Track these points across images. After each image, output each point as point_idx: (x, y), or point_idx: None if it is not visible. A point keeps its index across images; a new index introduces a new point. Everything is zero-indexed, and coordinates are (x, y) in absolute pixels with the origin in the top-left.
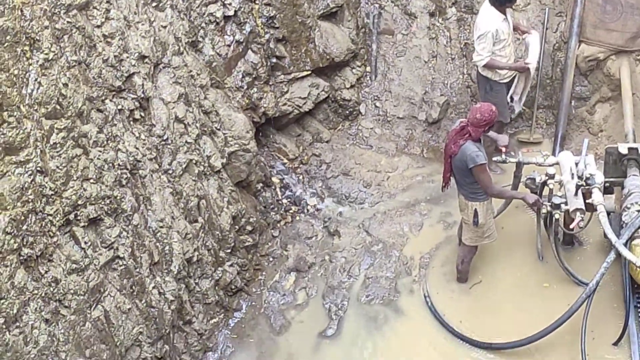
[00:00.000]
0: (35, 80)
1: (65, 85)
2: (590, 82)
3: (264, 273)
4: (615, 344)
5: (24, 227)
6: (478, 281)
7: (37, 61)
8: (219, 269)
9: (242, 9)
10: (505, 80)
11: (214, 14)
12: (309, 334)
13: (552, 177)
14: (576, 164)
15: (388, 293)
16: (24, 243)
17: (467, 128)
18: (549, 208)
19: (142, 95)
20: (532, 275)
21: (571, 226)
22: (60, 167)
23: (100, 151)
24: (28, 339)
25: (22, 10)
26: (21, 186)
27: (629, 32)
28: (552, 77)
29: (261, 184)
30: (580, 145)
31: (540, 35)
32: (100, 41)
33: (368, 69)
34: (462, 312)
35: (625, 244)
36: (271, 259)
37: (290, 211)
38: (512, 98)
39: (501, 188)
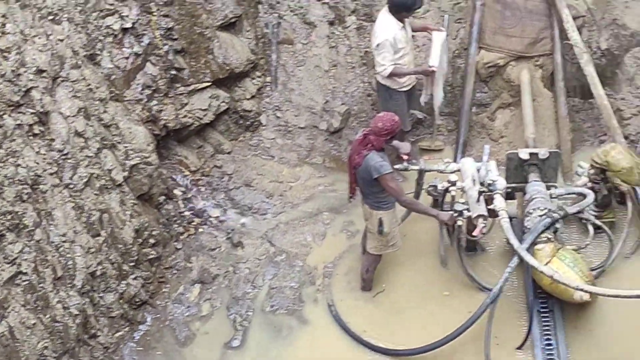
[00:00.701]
0: None
1: None
2: (490, 88)
3: (168, 285)
4: (519, 348)
5: None
6: (382, 289)
7: None
8: (123, 282)
9: (140, 21)
10: (404, 89)
11: (111, 26)
12: (214, 345)
13: (454, 184)
14: (478, 171)
15: (292, 303)
16: None
17: (369, 137)
18: (458, 224)
19: (41, 110)
20: (436, 282)
21: (474, 232)
22: None
23: (0, 167)
24: None
25: None
26: None
27: (528, 37)
28: (453, 84)
29: (163, 197)
30: (482, 152)
31: (444, 36)
32: None
33: (268, 79)
34: (366, 321)
35: (528, 249)
36: (175, 272)
37: (193, 223)
38: (411, 108)
39: (412, 200)
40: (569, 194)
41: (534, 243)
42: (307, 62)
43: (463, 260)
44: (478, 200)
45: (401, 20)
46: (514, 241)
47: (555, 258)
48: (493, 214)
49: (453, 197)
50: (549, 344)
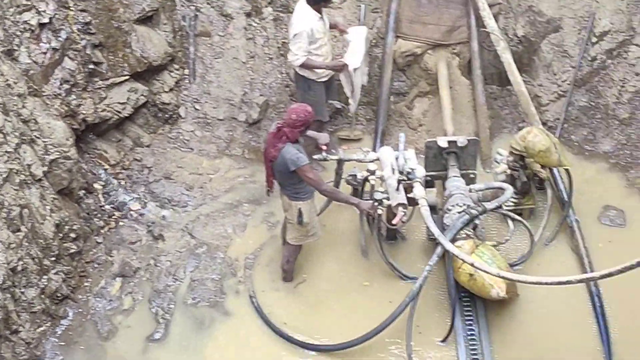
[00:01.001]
0: None
1: None
2: (408, 77)
3: (89, 280)
4: (443, 341)
5: None
6: (302, 280)
7: None
8: (44, 277)
9: (57, 16)
10: (323, 79)
11: (28, 21)
12: (137, 339)
13: (373, 173)
14: (397, 159)
15: (214, 295)
16: None
17: (284, 130)
18: (379, 213)
19: None
20: (357, 272)
21: (394, 221)
22: None
23: None
24: None
25: None
26: None
27: (445, 25)
28: (371, 74)
29: (83, 191)
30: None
31: (365, 35)
32: None
33: (186, 71)
34: (287, 312)
35: (446, 261)
36: (96, 265)
37: (114, 217)
38: (330, 99)
39: (333, 188)
40: (488, 188)
41: (453, 240)
42: (224, 54)
43: (383, 249)
44: (397, 189)
45: (319, 11)
46: (434, 229)
47: (474, 254)
48: (413, 202)
49: (372, 186)
50: (472, 339)
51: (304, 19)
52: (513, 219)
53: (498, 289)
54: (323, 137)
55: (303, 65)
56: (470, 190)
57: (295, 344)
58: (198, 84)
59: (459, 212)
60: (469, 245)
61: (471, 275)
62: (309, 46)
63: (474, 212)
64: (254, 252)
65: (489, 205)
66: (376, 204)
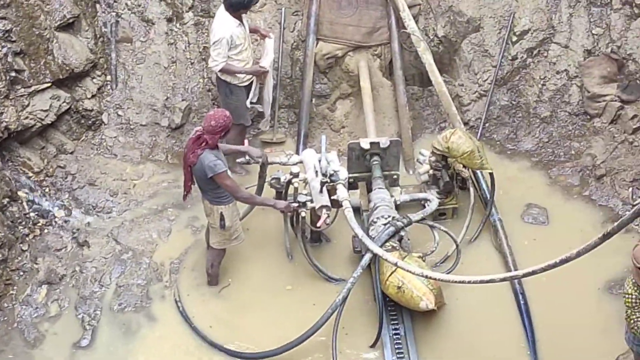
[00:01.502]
0: None
1: None
2: (329, 79)
3: (15, 287)
4: (372, 346)
5: None
6: (227, 284)
7: None
8: None
9: None
10: (244, 84)
11: None
12: (64, 346)
13: (296, 175)
14: (319, 162)
15: (140, 300)
16: None
17: (204, 136)
18: (294, 205)
19: None
20: (282, 275)
21: (318, 224)
22: None
23: None
24: None
25: None
26: None
27: (365, 27)
28: (292, 76)
29: (7, 199)
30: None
31: (276, 38)
32: None
33: (109, 78)
34: (212, 316)
35: (372, 260)
36: (22, 273)
37: (39, 224)
38: (251, 102)
39: (250, 194)
40: (413, 200)
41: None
42: (146, 60)
43: (308, 251)
44: (321, 191)
45: (238, 17)
46: (358, 230)
47: None
48: (336, 204)
49: (296, 188)
50: (398, 342)
51: (223, 25)
52: (434, 228)
53: (427, 301)
54: (254, 152)
55: (222, 71)
56: (395, 202)
57: (219, 349)
58: (120, 90)
59: (385, 224)
60: (396, 258)
61: (399, 287)
62: (229, 52)
63: (399, 224)
64: (179, 257)
65: (414, 216)
66: (297, 205)
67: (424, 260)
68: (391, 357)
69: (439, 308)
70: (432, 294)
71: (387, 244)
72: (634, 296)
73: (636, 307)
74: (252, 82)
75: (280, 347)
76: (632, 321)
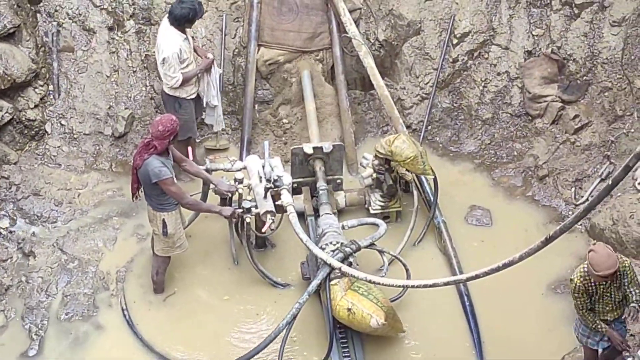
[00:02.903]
0: None
1: None
2: (272, 85)
3: None
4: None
5: None
6: (172, 292)
7: None
8: None
9: None
10: (192, 97)
11: None
12: (11, 356)
13: (240, 181)
14: (263, 167)
15: (87, 309)
16: None
17: (153, 142)
18: (239, 211)
19: None
20: (228, 282)
21: (263, 229)
22: None
23: None
24: None
25: None
26: None
27: (306, 32)
28: (234, 83)
29: None
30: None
31: (218, 44)
32: None
33: (51, 87)
34: (158, 325)
35: (321, 285)
36: None
37: None
38: (207, 107)
39: (196, 200)
40: (361, 224)
41: (329, 278)
42: (88, 69)
43: (253, 257)
44: (265, 197)
45: (183, 31)
46: (302, 235)
47: (350, 290)
48: (281, 209)
49: (240, 195)
50: (344, 345)
51: (170, 41)
52: (382, 253)
53: (376, 317)
54: (224, 186)
55: (182, 82)
56: (343, 227)
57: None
58: (63, 100)
59: (333, 251)
60: (345, 282)
61: (349, 309)
62: (180, 66)
63: (347, 250)
64: (125, 265)
65: (363, 242)
66: (241, 211)
67: (374, 285)
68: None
69: (396, 333)
70: (381, 311)
71: (337, 271)
72: (578, 287)
73: (578, 297)
74: (198, 95)
75: None
76: (576, 310)
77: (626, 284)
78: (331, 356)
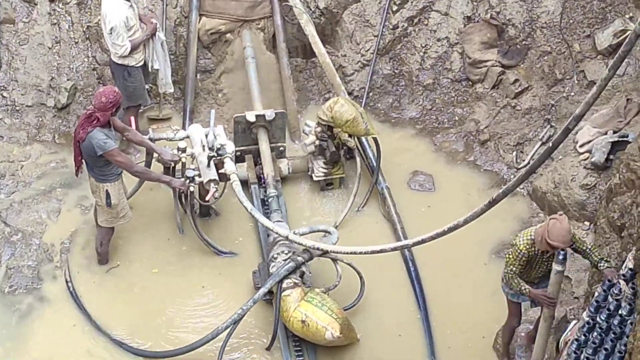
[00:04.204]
0: None
1: None
2: (214, 54)
3: None
4: (268, 348)
5: None
6: (116, 265)
7: None
8: None
9: None
10: (140, 64)
11: None
12: None
13: (184, 150)
14: (206, 136)
15: (31, 282)
16: None
17: (95, 114)
18: (192, 188)
19: None
20: (171, 251)
21: (207, 197)
22: None
23: None
24: None
25: None
26: None
27: (247, 1)
28: (177, 52)
29: None
30: (209, 118)
31: (159, 14)
32: None
33: None
34: (101, 296)
35: (275, 294)
36: None
37: None
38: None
39: (145, 168)
40: (312, 232)
41: (282, 289)
42: (30, 41)
43: (197, 226)
44: (209, 166)
45: None
46: (246, 203)
47: (303, 301)
48: (224, 177)
49: (184, 164)
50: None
51: (115, 10)
52: (336, 262)
53: (332, 330)
54: (167, 156)
55: (131, 50)
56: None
57: (104, 334)
58: (4, 72)
59: (285, 260)
60: (297, 293)
61: (303, 321)
62: (128, 33)
63: (299, 259)
64: (69, 237)
65: (315, 251)
66: (187, 181)
67: (327, 295)
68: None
69: (350, 344)
70: (336, 323)
71: (289, 280)
72: (522, 253)
73: (516, 264)
74: (145, 63)
75: (169, 351)
76: (507, 272)
77: (588, 251)
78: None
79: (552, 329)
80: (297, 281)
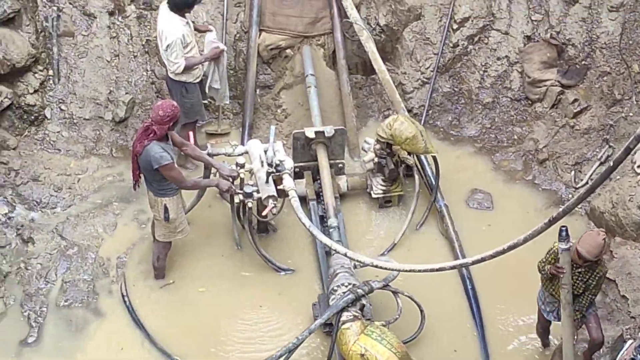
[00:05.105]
0: None
1: None
2: (273, 70)
3: None
4: None
5: None
6: (170, 282)
7: None
8: None
9: None
10: (198, 80)
11: None
12: (10, 344)
13: (242, 166)
14: (265, 152)
15: (87, 296)
16: None
17: (152, 127)
18: (241, 197)
19: None
20: (230, 267)
21: (264, 213)
22: None
23: None
24: None
25: None
26: None
27: (308, 17)
28: (236, 68)
29: None
30: (268, 133)
31: (217, 30)
32: None
33: (51, 72)
34: (157, 311)
35: (334, 327)
36: None
37: None
38: (209, 87)
39: (195, 179)
40: (368, 264)
41: (341, 322)
42: (89, 54)
43: (256, 242)
44: (267, 181)
45: (183, 15)
46: (304, 219)
47: (363, 334)
48: (282, 194)
49: (242, 179)
50: None
51: (172, 27)
52: (397, 294)
53: None
54: (225, 171)
55: (185, 68)
56: (355, 267)
57: (159, 349)
58: (63, 85)
59: (344, 293)
60: (357, 327)
61: (362, 355)
62: (184, 51)
63: (359, 291)
64: (125, 251)
65: (376, 284)
66: (239, 192)
67: (387, 328)
68: None
69: None
70: (396, 357)
71: (349, 312)
72: (554, 251)
73: (549, 258)
74: (202, 78)
75: None
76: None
77: (592, 286)
78: None
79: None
80: (357, 314)
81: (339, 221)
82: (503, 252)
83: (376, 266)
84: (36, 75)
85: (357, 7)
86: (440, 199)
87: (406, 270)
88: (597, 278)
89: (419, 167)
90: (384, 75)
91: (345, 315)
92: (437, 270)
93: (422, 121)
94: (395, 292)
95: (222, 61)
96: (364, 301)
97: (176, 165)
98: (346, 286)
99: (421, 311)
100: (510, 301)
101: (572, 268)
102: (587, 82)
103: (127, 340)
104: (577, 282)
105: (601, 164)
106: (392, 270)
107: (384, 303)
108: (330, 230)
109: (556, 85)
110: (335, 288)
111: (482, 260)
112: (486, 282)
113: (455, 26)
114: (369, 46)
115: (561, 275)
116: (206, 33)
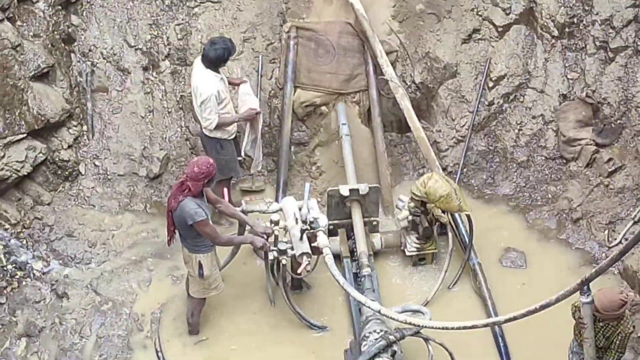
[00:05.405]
0: None
1: None
2: (308, 127)
3: None
4: None
5: None
6: (205, 338)
7: None
8: None
9: None
10: (233, 137)
11: None
12: None
13: (276, 223)
14: (299, 209)
15: (121, 351)
16: None
17: (187, 183)
18: (275, 254)
19: None
20: (264, 324)
21: (298, 270)
22: None
23: None
24: None
25: None
26: None
27: (343, 74)
28: (270, 124)
29: None
30: (303, 190)
31: (252, 84)
32: None
33: (85, 127)
34: None
35: None
36: (0, 326)
37: (16, 277)
38: (244, 152)
39: (228, 236)
40: (405, 311)
41: None
42: (123, 109)
43: (290, 299)
44: (301, 239)
45: (217, 71)
46: (339, 277)
47: None
48: (317, 251)
49: (276, 236)
50: None
51: (207, 83)
52: (428, 341)
53: None
54: (260, 228)
55: (218, 125)
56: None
57: None
58: (97, 140)
59: (376, 339)
60: None
61: None
62: (218, 107)
63: (391, 337)
64: (159, 307)
65: (407, 331)
66: (273, 249)
67: None
68: None
69: None
70: None
71: (380, 359)
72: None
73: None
74: (237, 135)
75: None
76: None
77: (613, 344)
78: None
79: None
80: None
81: (373, 278)
82: (535, 311)
83: (410, 323)
84: (70, 130)
85: (393, 65)
86: (473, 257)
87: (439, 328)
88: (620, 337)
89: (453, 225)
90: (419, 133)
91: None
92: (470, 327)
93: (457, 179)
94: (426, 340)
95: (256, 125)
96: (395, 347)
97: (211, 222)
98: (378, 332)
99: (452, 359)
100: (542, 359)
101: (595, 321)
102: (622, 142)
103: None
104: (599, 335)
105: (635, 223)
106: (426, 327)
107: (415, 350)
108: (363, 279)
109: (591, 144)
110: (367, 334)
111: (514, 318)
112: (518, 340)
113: (490, 84)
114: (404, 104)
115: (583, 329)
116: (240, 85)
